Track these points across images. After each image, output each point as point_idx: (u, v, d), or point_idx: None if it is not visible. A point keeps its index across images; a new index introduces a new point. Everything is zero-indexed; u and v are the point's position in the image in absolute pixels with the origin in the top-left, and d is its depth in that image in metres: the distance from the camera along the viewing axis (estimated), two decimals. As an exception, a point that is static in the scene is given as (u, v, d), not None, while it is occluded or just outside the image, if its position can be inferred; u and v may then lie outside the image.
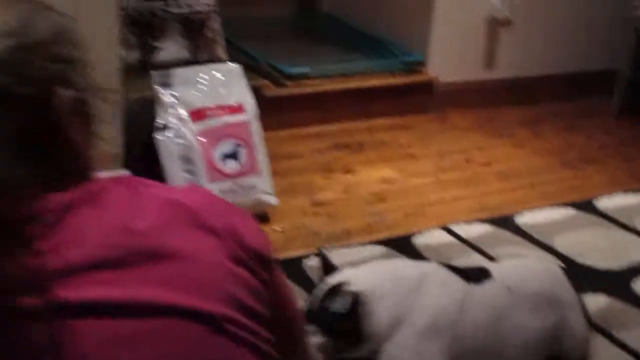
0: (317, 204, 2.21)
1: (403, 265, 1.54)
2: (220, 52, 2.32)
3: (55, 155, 0.73)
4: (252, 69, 2.56)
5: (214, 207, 0.78)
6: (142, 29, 2.17)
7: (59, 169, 0.73)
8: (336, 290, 1.32)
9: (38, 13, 0.74)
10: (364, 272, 1.39)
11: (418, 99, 2.97)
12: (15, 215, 0.68)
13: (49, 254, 0.68)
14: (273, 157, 2.17)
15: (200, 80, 2.05)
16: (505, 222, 2.18)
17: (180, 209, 0.75)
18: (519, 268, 1.63)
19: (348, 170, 2.45)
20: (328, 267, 1.41)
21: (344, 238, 2.02)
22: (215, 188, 1.93)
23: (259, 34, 3.01)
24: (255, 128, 2.06)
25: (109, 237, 0.71)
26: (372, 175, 2.43)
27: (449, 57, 3.02)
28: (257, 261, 0.77)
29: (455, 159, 2.63)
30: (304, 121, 2.73)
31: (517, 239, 2.11)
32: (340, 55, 3.09)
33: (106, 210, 0.72)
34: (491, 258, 1.96)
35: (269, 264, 0.80)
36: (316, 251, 1.50)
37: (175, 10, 2.19)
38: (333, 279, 1.36)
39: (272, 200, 2.04)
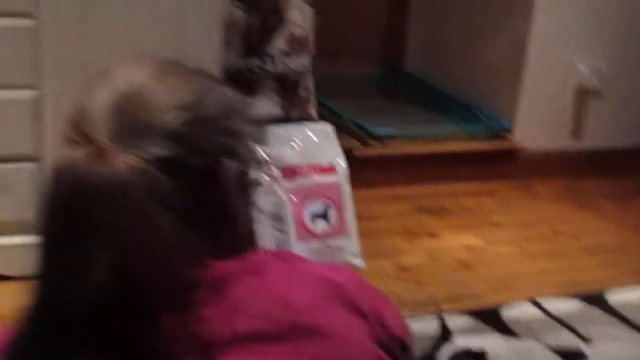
0: (402, 268, 2.18)
1: (517, 343, 1.53)
2: (312, 110, 2.34)
3: (220, 225, 0.75)
4: (338, 128, 2.57)
5: (361, 289, 0.79)
6: (238, 84, 2.20)
7: (224, 239, 0.75)
8: (478, 355, 1.37)
9: (210, 87, 0.77)
10: (491, 344, 1.40)
11: (502, 165, 2.94)
12: (184, 281, 0.70)
13: (212, 321, 0.69)
14: (357, 218, 2.16)
15: (293, 138, 2.07)
16: (595, 300, 2.11)
17: (332, 287, 0.76)
18: (614, 350, 1.58)
19: (432, 235, 2.42)
20: (446, 331, 1.43)
21: (430, 305, 1.98)
22: (304, 248, 1.92)
23: (344, 93, 3.03)
24: (346, 189, 2.06)
25: (269, 309, 0.72)
26: (457, 242, 2.40)
27: (536, 125, 2.99)
28: (398, 347, 0.76)
29: (540, 229, 2.57)
30: (388, 182, 2.72)
31: (609, 318, 2.03)
32: (425, 116, 3.09)
33: (266, 283, 0.74)
34: (582, 337, 1.89)
35: (407, 351, 0.79)
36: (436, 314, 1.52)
37: (272, 69, 2.22)
38: (466, 342, 1.38)
39: (359, 263, 2.03)
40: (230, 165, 0.76)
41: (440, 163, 2.84)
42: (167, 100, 0.74)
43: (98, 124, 0.72)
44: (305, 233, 1.97)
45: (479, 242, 2.41)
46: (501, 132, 2.96)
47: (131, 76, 0.77)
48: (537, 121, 2.99)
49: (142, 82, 0.75)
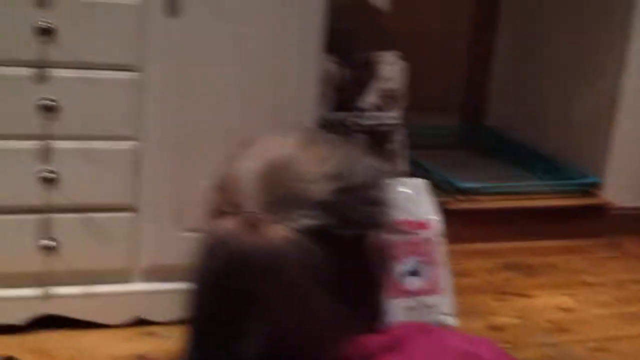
0: (494, 328, 2.13)
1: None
2: (402, 164, 2.32)
3: (365, 296, 0.74)
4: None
5: None
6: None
7: (367, 311, 0.73)
8: None
9: (355, 156, 0.76)
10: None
11: (590, 222, 2.86)
12: (333, 355, 0.69)
13: None
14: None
15: (385, 193, 2.05)
16: (700, 368, 2.02)
17: None
18: None
19: (522, 294, 2.36)
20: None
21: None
22: (397, 305, 1.89)
23: (426, 146, 3.01)
24: (440, 245, 2.03)
25: None
26: (548, 302, 2.33)
27: (626, 182, 2.91)
28: None
29: (634, 290, 2.48)
30: (474, 237, 2.67)
31: None
32: (508, 171, 3.05)
33: (409, 359, 0.71)
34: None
35: None
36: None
37: (364, 122, 2.23)
38: None
39: (453, 322, 1.98)
40: (375, 235, 0.75)
41: (527, 219, 2.78)
42: (315, 169, 0.73)
43: (248, 194, 0.71)
44: (399, 291, 1.93)
45: (571, 302, 2.34)
46: (589, 188, 2.89)
47: (277, 145, 0.76)
48: (626, 178, 2.91)
49: (289, 151, 0.75)
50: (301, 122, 1.90)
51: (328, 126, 2.19)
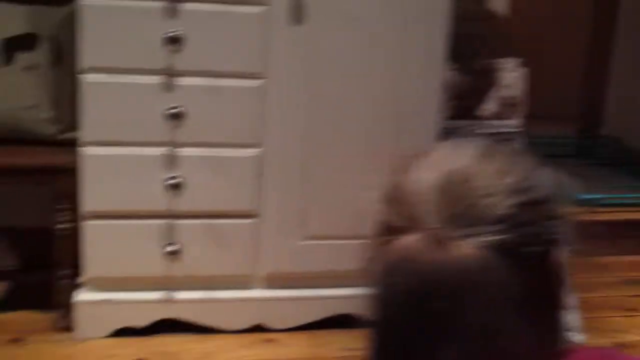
0: (622, 346, 2.03)
1: None
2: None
3: (547, 318, 0.69)
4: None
5: None
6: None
7: (550, 334, 0.69)
8: None
9: (534, 169, 0.72)
10: None
11: None
12: None
13: None
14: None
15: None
16: None
17: None
18: None
19: (649, 311, 2.26)
20: None
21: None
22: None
23: (543, 155, 2.92)
24: (562, 260, 1.95)
25: None
26: (678, 320, 2.22)
27: None
28: None
29: None
30: (594, 251, 2.57)
31: None
32: (627, 182, 2.93)
33: None
34: None
35: None
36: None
37: (482, 130, 2.17)
38: None
39: (579, 339, 1.91)
40: (557, 251, 0.70)
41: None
42: (496, 182, 0.68)
43: (427, 207, 0.67)
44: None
45: (702, 321, 2.22)
46: None
47: (453, 157, 0.72)
48: None
49: (466, 164, 0.70)
50: (424, 129, 1.88)
51: (445, 134, 2.15)
